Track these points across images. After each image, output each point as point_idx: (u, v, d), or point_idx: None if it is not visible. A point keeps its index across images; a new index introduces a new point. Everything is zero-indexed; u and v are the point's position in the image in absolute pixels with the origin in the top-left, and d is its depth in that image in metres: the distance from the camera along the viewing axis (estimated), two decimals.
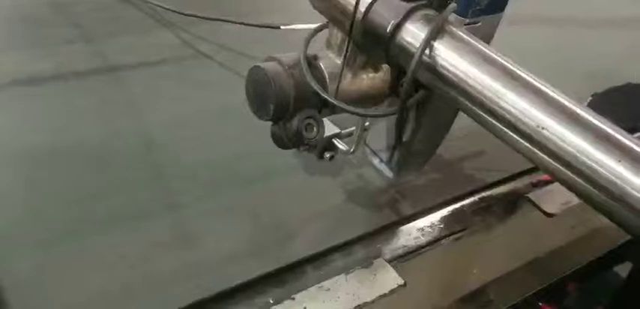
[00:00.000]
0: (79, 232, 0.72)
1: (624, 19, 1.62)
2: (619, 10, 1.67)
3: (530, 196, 0.89)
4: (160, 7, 1.24)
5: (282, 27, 1.02)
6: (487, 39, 0.65)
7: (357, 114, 0.62)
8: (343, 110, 0.61)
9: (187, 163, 0.86)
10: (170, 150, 0.89)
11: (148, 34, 1.20)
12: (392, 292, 0.69)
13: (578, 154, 0.44)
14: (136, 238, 0.72)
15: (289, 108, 0.59)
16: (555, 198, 0.89)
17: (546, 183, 0.92)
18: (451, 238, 0.82)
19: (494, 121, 0.49)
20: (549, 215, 0.86)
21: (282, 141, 0.63)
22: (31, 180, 0.80)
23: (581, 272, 1.19)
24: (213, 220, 0.76)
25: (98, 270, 0.67)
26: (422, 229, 0.81)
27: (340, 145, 0.74)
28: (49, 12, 1.25)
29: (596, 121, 0.44)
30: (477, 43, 0.52)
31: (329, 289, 0.68)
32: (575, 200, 0.90)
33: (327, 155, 0.75)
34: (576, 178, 0.44)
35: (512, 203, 0.89)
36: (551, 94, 0.47)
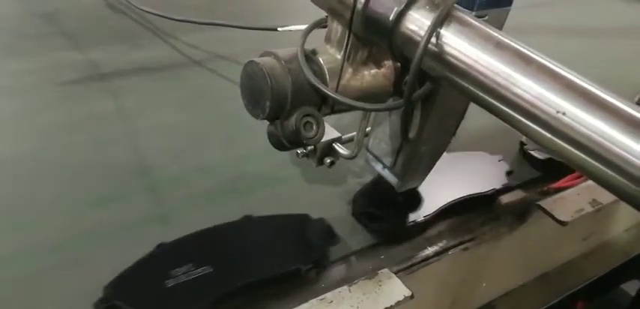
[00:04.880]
0: (67, 245, 0.68)
1: (626, 28, 1.60)
2: (618, 18, 1.65)
3: (542, 203, 0.85)
4: (152, 13, 1.20)
5: (279, 29, 0.99)
6: None
7: (360, 108, 0.58)
8: (344, 107, 0.57)
9: (180, 173, 0.83)
10: (162, 159, 0.86)
11: (140, 42, 1.18)
12: (398, 304, 0.65)
13: (604, 142, 0.40)
14: (128, 251, 0.68)
15: (286, 105, 0.56)
16: (568, 205, 0.85)
17: (557, 190, 0.88)
18: (459, 248, 0.77)
19: (507, 110, 0.45)
20: (562, 223, 0.81)
21: (279, 142, 0.59)
22: (20, 190, 0.77)
23: (592, 287, 1.15)
24: None
25: (88, 285, 0.62)
26: (429, 239, 0.77)
27: (341, 149, 0.71)
28: (40, 22, 1.23)
29: (623, 106, 0.40)
30: (487, 29, 0.48)
31: (331, 302, 0.64)
32: (588, 207, 0.86)
33: (327, 161, 0.72)
34: (604, 169, 0.40)
35: (523, 211, 0.85)
36: (571, 77, 0.43)
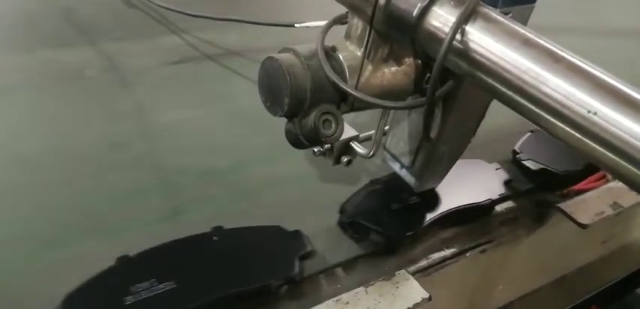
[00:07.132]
0: (79, 237, 0.69)
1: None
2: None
3: (561, 205, 0.83)
4: (168, 9, 1.20)
5: (296, 25, 0.98)
6: None
7: (380, 106, 0.57)
8: (363, 105, 0.56)
9: (193, 170, 0.82)
10: (176, 156, 0.86)
11: (155, 37, 1.18)
12: (416, 306, 0.64)
13: (637, 143, 0.38)
14: (138, 245, 0.67)
15: (305, 102, 0.55)
16: (588, 208, 0.83)
17: (578, 192, 0.86)
18: (477, 250, 0.76)
19: (535, 109, 0.44)
20: (583, 226, 0.80)
21: (297, 139, 0.58)
22: (34, 182, 0.77)
23: (608, 291, 1.12)
24: None
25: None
26: (446, 240, 0.75)
27: (358, 148, 0.70)
28: (55, 16, 1.23)
29: None
30: (514, 25, 0.47)
31: (347, 303, 0.63)
32: (609, 210, 0.84)
33: (344, 160, 0.71)
34: (637, 171, 0.39)
35: (542, 213, 0.83)
36: (602, 75, 0.42)
